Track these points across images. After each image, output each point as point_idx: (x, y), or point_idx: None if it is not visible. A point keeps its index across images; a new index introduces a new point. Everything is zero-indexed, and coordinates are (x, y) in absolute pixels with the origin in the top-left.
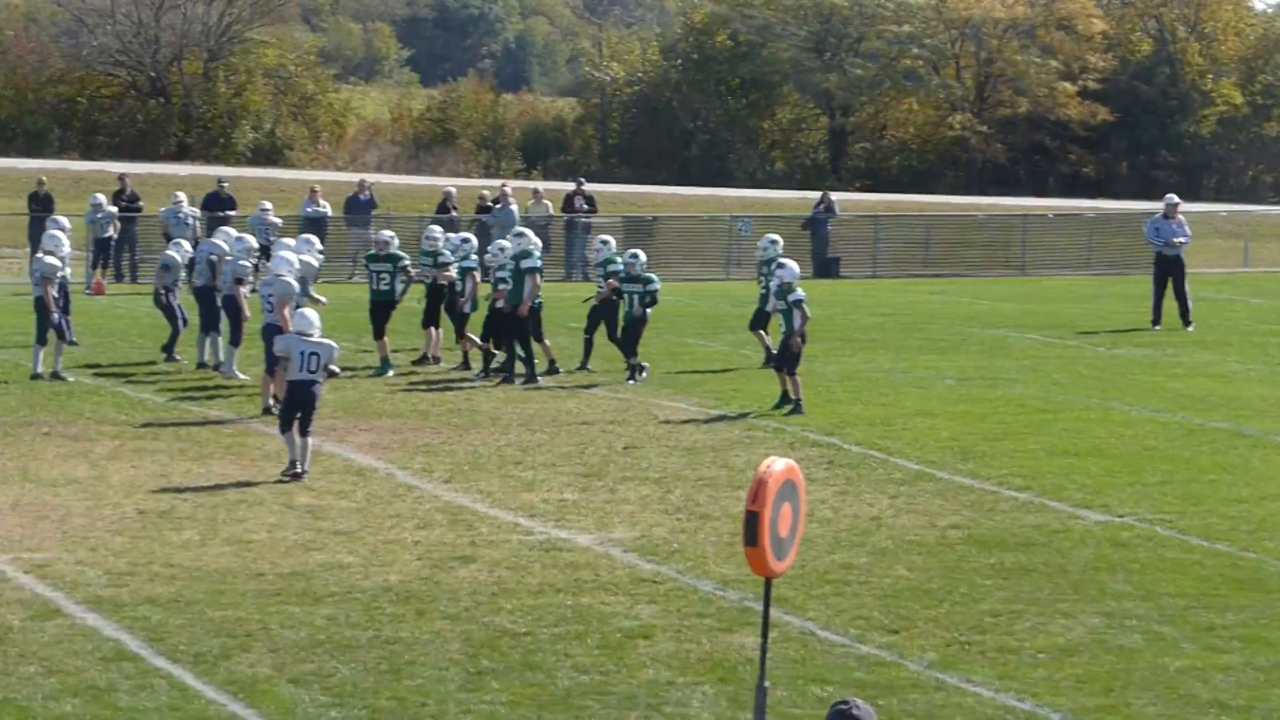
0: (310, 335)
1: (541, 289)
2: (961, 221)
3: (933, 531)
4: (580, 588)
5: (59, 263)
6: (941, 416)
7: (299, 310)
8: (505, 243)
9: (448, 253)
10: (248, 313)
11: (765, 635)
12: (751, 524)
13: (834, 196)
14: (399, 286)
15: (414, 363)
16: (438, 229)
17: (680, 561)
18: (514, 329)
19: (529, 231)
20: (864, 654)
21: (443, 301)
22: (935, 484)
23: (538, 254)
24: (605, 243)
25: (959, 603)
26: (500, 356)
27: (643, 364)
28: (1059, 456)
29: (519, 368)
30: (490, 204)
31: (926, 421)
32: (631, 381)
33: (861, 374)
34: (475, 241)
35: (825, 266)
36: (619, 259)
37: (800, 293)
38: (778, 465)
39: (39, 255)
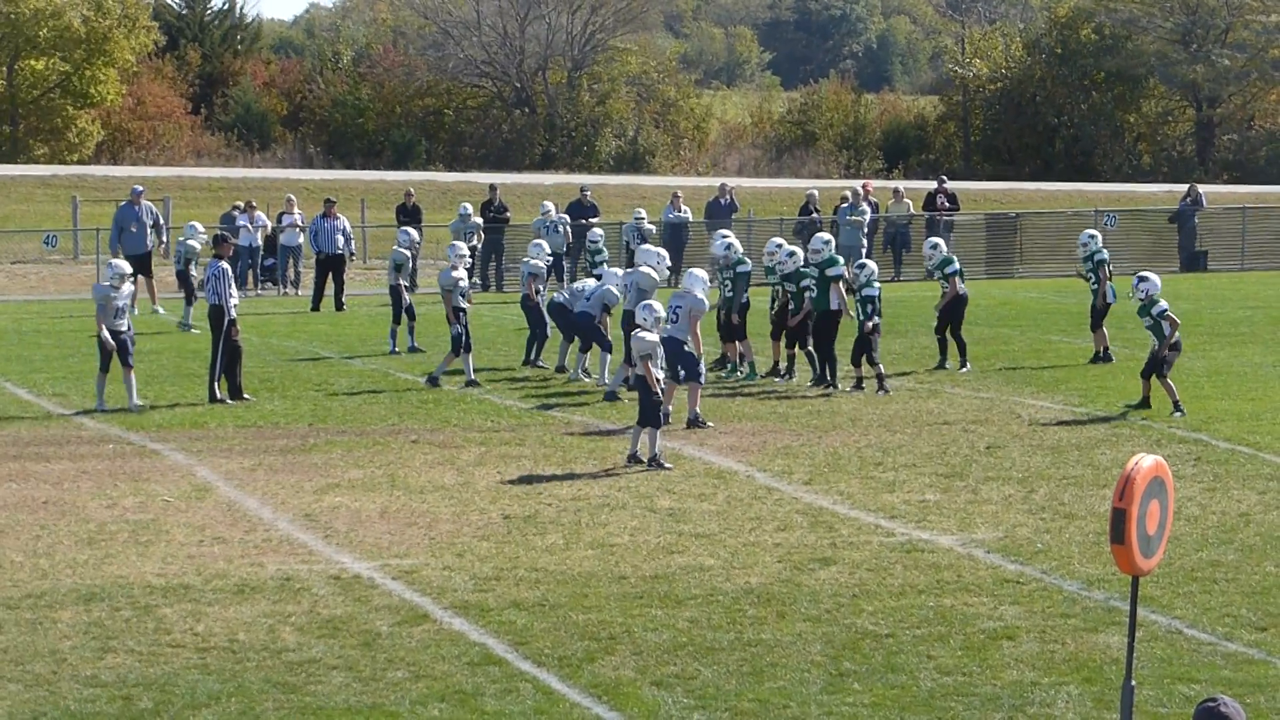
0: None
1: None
2: None
3: None
4: (943, 589)
5: (462, 275)
6: None
7: (647, 304)
8: (783, 243)
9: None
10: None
11: (1133, 634)
12: (1119, 521)
13: (1201, 189)
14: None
15: (765, 374)
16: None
17: (1045, 561)
18: (818, 334)
19: (832, 239)
20: (1231, 652)
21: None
22: None
23: (842, 261)
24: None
25: None
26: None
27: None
28: None
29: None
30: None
31: None
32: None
33: (1229, 368)
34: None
35: (1193, 260)
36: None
37: (1163, 304)
38: (1146, 462)
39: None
